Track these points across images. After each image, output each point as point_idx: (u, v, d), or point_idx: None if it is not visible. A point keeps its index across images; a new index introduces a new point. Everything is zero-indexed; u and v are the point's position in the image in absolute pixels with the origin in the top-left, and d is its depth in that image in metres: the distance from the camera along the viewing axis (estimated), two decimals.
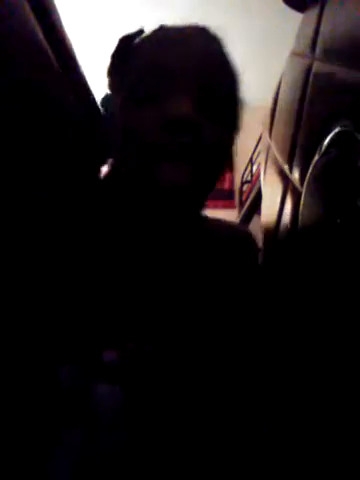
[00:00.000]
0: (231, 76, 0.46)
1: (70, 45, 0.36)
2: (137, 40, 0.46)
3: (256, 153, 2.46)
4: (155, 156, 0.39)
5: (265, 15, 2.40)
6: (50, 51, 0.33)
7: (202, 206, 0.49)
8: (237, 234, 0.58)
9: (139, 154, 0.40)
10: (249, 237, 0.58)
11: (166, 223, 0.45)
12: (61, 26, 0.35)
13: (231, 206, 3.48)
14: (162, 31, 0.46)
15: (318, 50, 0.40)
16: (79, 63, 0.40)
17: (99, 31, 2.57)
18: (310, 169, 0.44)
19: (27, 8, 0.29)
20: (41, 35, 0.31)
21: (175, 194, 0.39)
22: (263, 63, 2.59)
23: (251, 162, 2.56)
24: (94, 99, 0.48)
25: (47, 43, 0.32)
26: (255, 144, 2.34)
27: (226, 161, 0.48)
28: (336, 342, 0.38)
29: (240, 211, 2.59)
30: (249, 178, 2.64)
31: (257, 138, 2.24)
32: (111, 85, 0.48)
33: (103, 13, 2.49)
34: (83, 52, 0.40)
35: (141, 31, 0.48)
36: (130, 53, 0.45)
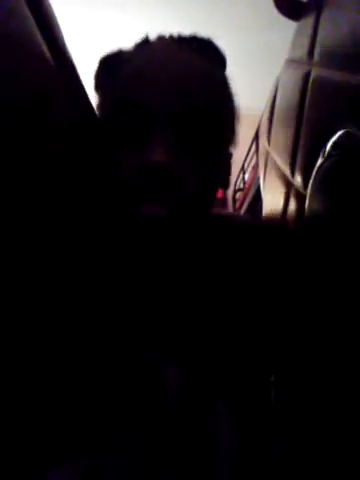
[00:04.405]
0: (220, 99, 0.42)
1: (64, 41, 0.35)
2: (117, 60, 0.43)
3: (247, 161, 2.48)
4: (133, 195, 0.38)
5: (252, 26, 2.45)
6: (47, 49, 0.31)
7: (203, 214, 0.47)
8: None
9: (118, 191, 0.39)
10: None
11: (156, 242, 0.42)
12: (57, 23, 0.34)
13: None
14: (144, 52, 0.43)
15: (317, 56, 0.41)
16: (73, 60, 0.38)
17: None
18: (314, 173, 0.44)
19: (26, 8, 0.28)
20: (39, 36, 0.30)
21: (156, 225, 0.38)
22: (250, 72, 2.64)
23: (243, 170, 2.58)
24: (90, 103, 0.45)
25: (45, 43, 0.31)
26: (246, 152, 2.36)
27: (216, 187, 0.46)
28: (340, 341, 0.37)
29: None
30: (242, 186, 2.65)
31: (248, 146, 2.27)
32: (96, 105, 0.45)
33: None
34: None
35: (120, 52, 0.45)
36: (109, 78, 0.42)
